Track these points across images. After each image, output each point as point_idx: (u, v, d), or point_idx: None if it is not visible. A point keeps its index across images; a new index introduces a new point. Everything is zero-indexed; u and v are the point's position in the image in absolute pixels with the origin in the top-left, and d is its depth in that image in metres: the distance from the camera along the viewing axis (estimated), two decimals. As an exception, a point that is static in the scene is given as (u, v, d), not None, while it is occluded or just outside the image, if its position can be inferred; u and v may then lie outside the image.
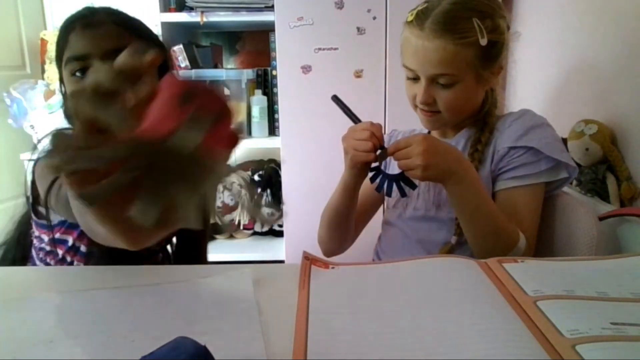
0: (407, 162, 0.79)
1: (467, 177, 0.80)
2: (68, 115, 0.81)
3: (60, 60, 0.83)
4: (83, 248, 0.89)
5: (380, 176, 0.88)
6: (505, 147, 0.88)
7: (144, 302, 0.62)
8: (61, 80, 0.86)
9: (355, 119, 0.95)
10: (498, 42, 0.85)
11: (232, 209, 2.02)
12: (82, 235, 0.87)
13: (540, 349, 0.49)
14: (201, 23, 1.85)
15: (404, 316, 0.56)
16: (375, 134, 0.85)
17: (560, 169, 0.86)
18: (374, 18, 1.70)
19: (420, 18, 0.84)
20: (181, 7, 1.86)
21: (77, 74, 0.81)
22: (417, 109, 0.92)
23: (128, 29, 0.85)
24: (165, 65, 0.88)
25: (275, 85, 1.85)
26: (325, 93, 1.78)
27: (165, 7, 1.86)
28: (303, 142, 1.81)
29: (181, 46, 1.88)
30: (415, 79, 0.89)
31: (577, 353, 0.48)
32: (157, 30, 1.83)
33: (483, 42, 0.82)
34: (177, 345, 0.42)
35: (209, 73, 1.95)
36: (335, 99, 0.98)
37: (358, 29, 1.72)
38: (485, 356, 0.48)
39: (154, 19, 1.83)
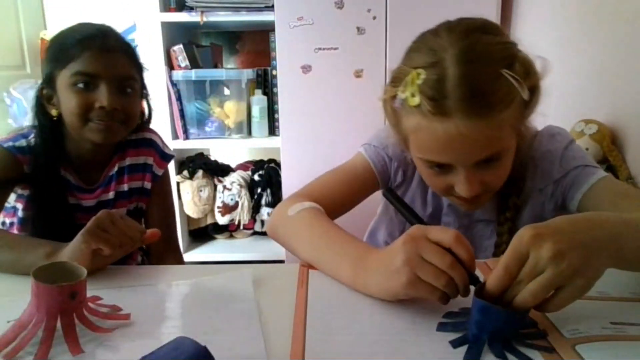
0: (545, 282, 0.47)
1: (624, 229, 0.54)
2: (38, 111, 0.94)
3: (58, 63, 0.90)
4: (20, 213, 0.96)
5: (476, 339, 0.50)
6: (554, 179, 0.78)
7: (144, 301, 0.62)
8: (48, 81, 0.92)
9: (412, 217, 0.66)
10: (536, 86, 0.68)
11: (232, 208, 2.02)
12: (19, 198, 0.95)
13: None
14: (201, 23, 1.84)
15: (402, 316, 0.56)
16: (464, 261, 0.53)
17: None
18: (374, 18, 1.70)
19: (433, 99, 0.63)
20: (181, 7, 1.86)
21: (81, 85, 0.89)
22: (450, 196, 0.76)
23: (130, 57, 0.95)
24: (142, 86, 1.00)
25: (275, 85, 1.85)
26: (325, 93, 1.79)
27: (165, 7, 1.86)
28: (303, 142, 1.81)
29: (181, 46, 1.88)
30: (442, 166, 0.70)
31: (577, 353, 0.48)
32: (157, 30, 1.83)
33: (526, 95, 0.64)
34: (178, 345, 0.42)
35: (209, 73, 1.95)
36: (390, 192, 0.72)
37: (358, 28, 1.72)
38: (485, 355, 0.48)
39: (154, 19, 1.83)
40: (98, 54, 0.89)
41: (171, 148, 1.89)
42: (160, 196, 1.10)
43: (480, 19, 0.70)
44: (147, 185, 1.06)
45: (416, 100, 0.64)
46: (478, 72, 0.62)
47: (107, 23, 0.97)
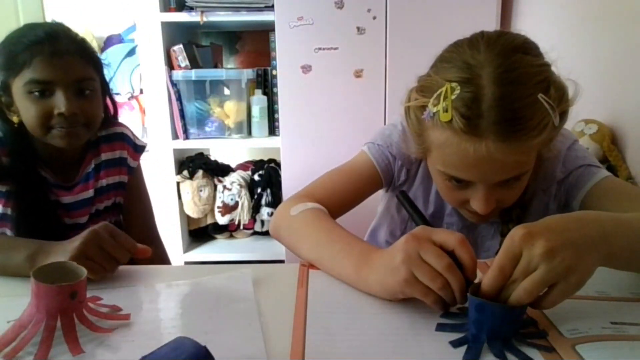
0: (538, 279, 0.48)
1: (614, 228, 0.55)
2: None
3: (10, 70, 0.88)
4: (8, 211, 0.93)
5: (475, 340, 0.50)
6: (557, 179, 0.79)
7: (144, 301, 0.62)
8: (4, 89, 0.90)
9: (423, 222, 0.67)
10: (566, 111, 0.66)
11: (232, 208, 2.02)
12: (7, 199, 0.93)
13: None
14: (201, 23, 1.84)
15: (402, 316, 0.56)
16: (466, 265, 0.53)
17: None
18: (374, 18, 1.70)
19: (467, 118, 0.61)
20: (181, 7, 1.86)
21: (36, 94, 0.87)
22: (462, 208, 0.76)
23: (85, 57, 0.92)
24: (104, 83, 0.99)
25: (275, 85, 1.85)
26: (325, 93, 1.79)
27: (165, 7, 1.86)
28: (303, 142, 1.81)
29: (181, 46, 1.88)
30: (461, 181, 0.69)
31: (577, 353, 0.48)
32: (157, 30, 1.83)
33: (557, 121, 0.63)
34: (178, 345, 0.42)
35: (209, 73, 1.95)
36: (403, 195, 0.73)
37: (358, 28, 1.72)
38: (484, 355, 0.48)
39: (154, 19, 1.83)
40: (49, 59, 0.86)
41: (171, 148, 1.93)
42: (136, 189, 1.11)
43: (521, 36, 0.68)
44: (124, 178, 1.07)
45: (448, 116, 0.62)
46: (516, 95, 0.60)
47: (60, 21, 0.95)
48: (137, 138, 1.10)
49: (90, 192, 1.01)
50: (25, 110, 0.89)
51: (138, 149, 1.09)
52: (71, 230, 1.00)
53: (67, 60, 0.88)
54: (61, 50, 0.87)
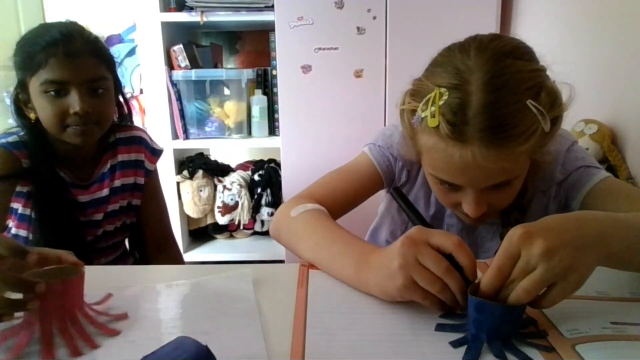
0: (537, 279, 0.48)
1: (613, 228, 0.54)
2: (18, 114, 0.95)
3: (26, 70, 0.91)
4: (20, 210, 0.95)
5: (474, 339, 0.50)
6: (557, 181, 0.78)
7: (144, 301, 0.62)
8: (21, 87, 0.94)
9: (416, 218, 0.68)
10: (559, 116, 0.65)
11: (232, 208, 2.02)
12: (27, 201, 0.95)
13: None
14: (201, 23, 1.84)
15: (402, 316, 0.56)
16: (465, 268, 0.53)
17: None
18: (374, 18, 1.70)
19: (453, 124, 0.61)
20: (181, 7, 1.86)
21: (52, 93, 0.90)
22: (456, 210, 0.76)
23: (98, 57, 0.95)
24: (116, 82, 1.02)
25: (275, 85, 1.85)
26: (325, 93, 1.79)
27: (165, 7, 1.86)
28: (303, 142, 1.81)
29: (181, 46, 1.88)
30: (452, 185, 0.70)
31: (577, 353, 0.48)
32: (157, 30, 1.83)
33: (547, 127, 0.62)
34: (179, 345, 0.42)
35: (209, 73, 1.95)
36: (397, 192, 0.73)
37: (358, 28, 1.72)
38: (484, 355, 0.48)
39: (154, 19, 1.83)
40: (63, 60, 0.89)
41: (171, 148, 1.93)
42: (152, 191, 1.14)
43: (513, 40, 0.67)
44: (140, 180, 1.09)
45: (435, 121, 0.62)
46: (503, 102, 0.60)
47: (74, 20, 0.97)
48: (154, 142, 1.14)
49: (105, 192, 1.04)
50: (42, 109, 0.91)
51: (155, 152, 1.12)
52: (86, 227, 1.02)
53: (80, 61, 0.91)
54: (75, 52, 0.90)
